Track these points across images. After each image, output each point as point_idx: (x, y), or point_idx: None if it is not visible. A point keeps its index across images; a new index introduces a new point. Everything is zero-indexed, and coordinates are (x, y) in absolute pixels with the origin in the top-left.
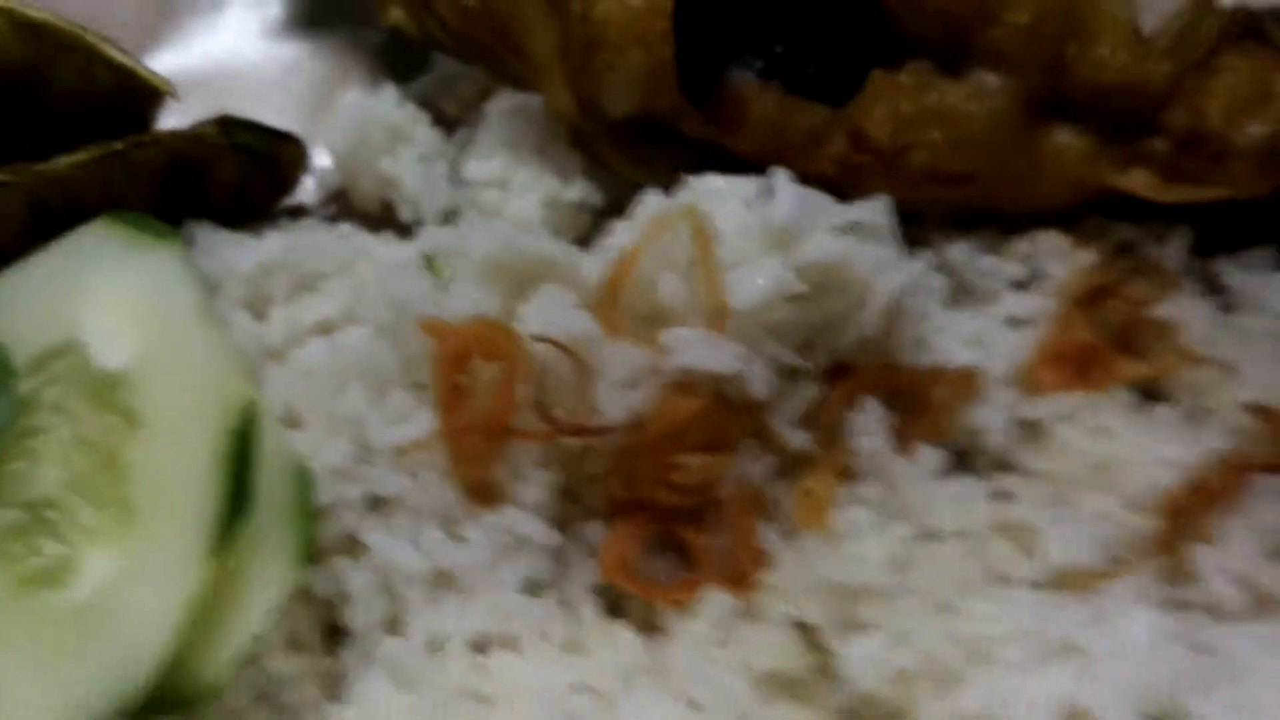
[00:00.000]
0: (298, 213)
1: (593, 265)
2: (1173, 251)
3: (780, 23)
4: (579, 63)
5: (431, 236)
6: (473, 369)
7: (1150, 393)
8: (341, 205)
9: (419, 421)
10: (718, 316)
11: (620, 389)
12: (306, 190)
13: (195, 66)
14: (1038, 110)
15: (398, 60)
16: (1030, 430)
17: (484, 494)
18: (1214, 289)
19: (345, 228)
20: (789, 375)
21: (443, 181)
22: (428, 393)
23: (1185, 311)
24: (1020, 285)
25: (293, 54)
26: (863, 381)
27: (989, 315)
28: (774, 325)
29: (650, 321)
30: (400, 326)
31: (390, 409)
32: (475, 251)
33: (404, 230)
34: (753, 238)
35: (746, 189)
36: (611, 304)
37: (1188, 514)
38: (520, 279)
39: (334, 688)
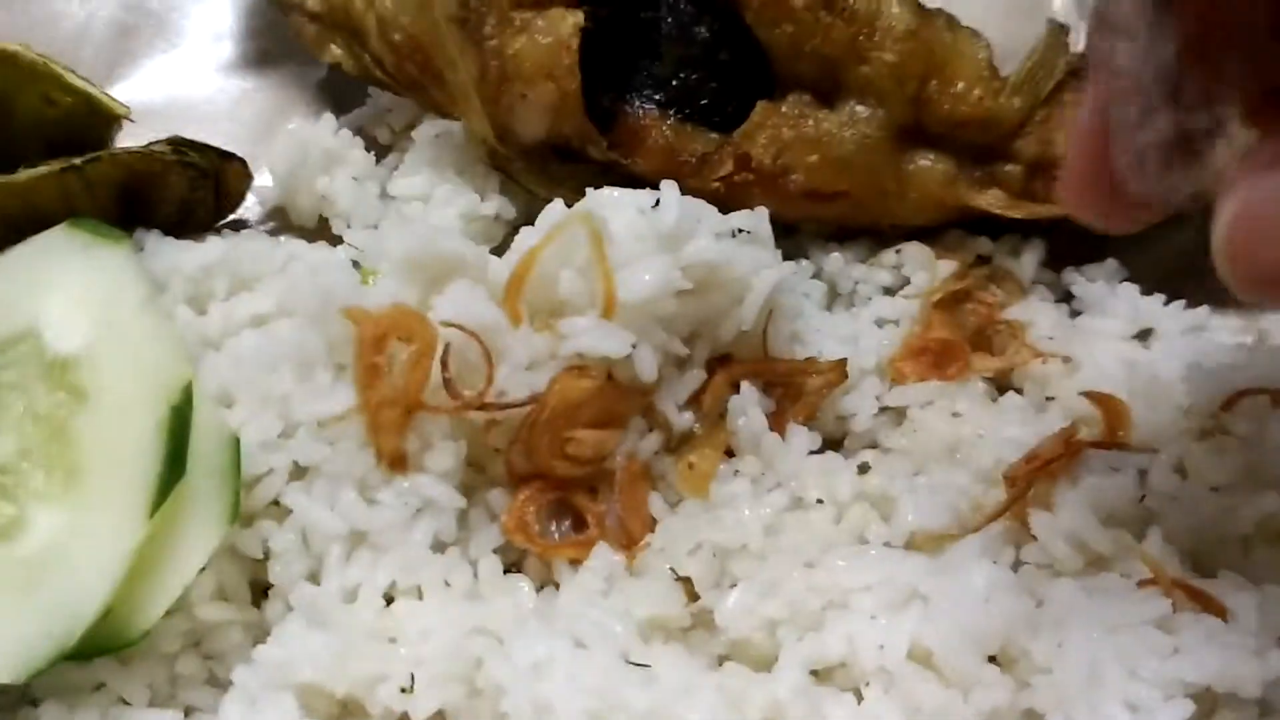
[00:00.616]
0: (240, 226)
1: (501, 265)
2: (1026, 263)
3: (676, 59)
4: (495, 93)
5: (357, 238)
6: (389, 351)
7: (1001, 385)
8: (281, 220)
9: (339, 398)
10: (609, 308)
11: (522, 371)
12: (249, 207)
13: (152, 98)
14: (904, 138)
15: (337, 93)
16: (894, 415)
17: (397, 462)
18: (1065, 297)
19: (283, 238)
20: (676, 363)
21: (373, 199)
22: (348, 372)
23: (1033, 314)
24: (889, 291)
25: (242, 87)
26: (743, 370)
27: (860, 317)
28: (661, 317)
29: (550, 313)
30: (325, 314)
31: (314, 387)
32: (395, 250)
33: (337, 242)
34: (643, 240)
35: (640, 199)
36: (515, 296)
37: (1028, 483)
38: (435, 275)
39: (260, 636)
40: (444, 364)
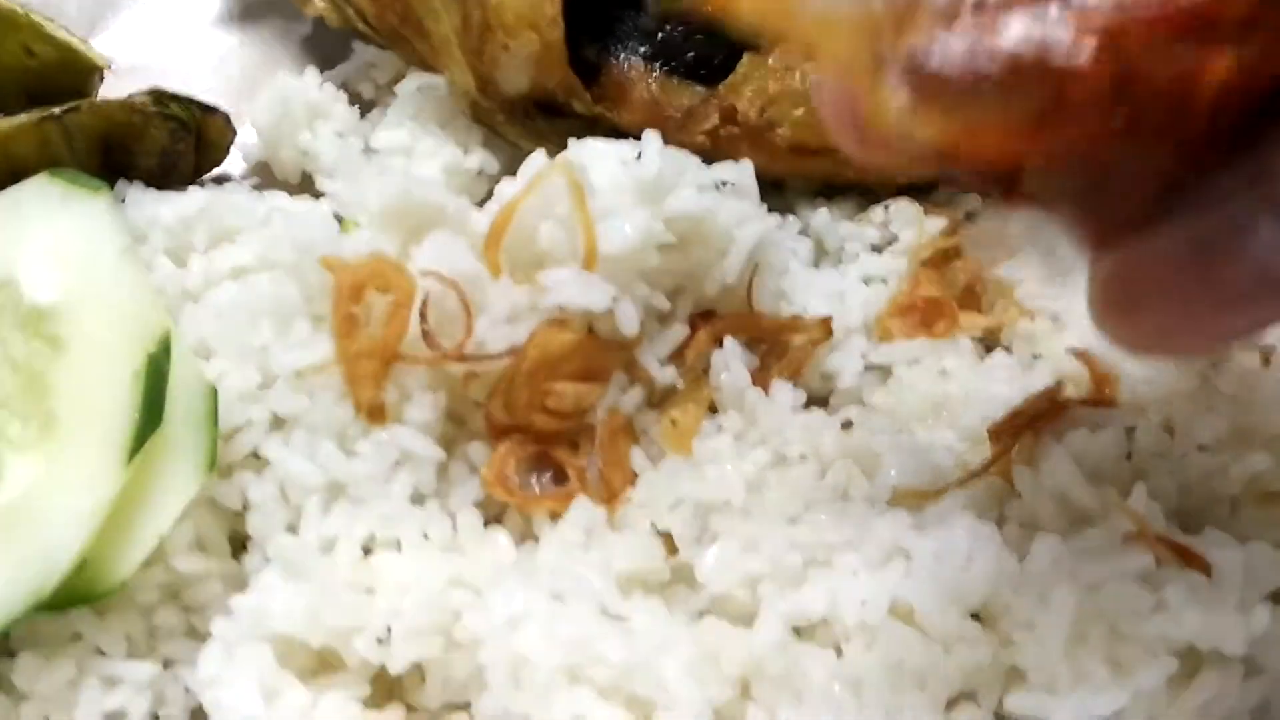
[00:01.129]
0: (224, 180)
1: (481, 216)
2: (1016, 220)
3: (662, 9)
4: (477, 45)
5: (336, 189)
6: (367, 301)
7: (989, 343)
8: (265, 175)
9: (318, 348)
10: (590, 260)
11: (501, 323)
12: (233, 162)
13: (136, 51)
14: None
15: (322, 48)
16: (880, 373)
17: (375, 413)
18: (1051, 255)
19: (266, 193)
20: (659, 318)
21: (357, 155)
22: (327, 323)
23: (1021, 272)
24: (876, 249)
25: (226, 42)
26: (726, 325)
27: (847, 274)
28: (643, 271)
29: (530, 265)
30: (303, 264)
31: (292, 338)
32: (373, 201)
33: (320, 197)
34: (625, 192)
35: (622, 150)
36: (495, 247)
37: (1013, 440)
38: (415, 226)
39: (239, 588)
40: (423, 315)
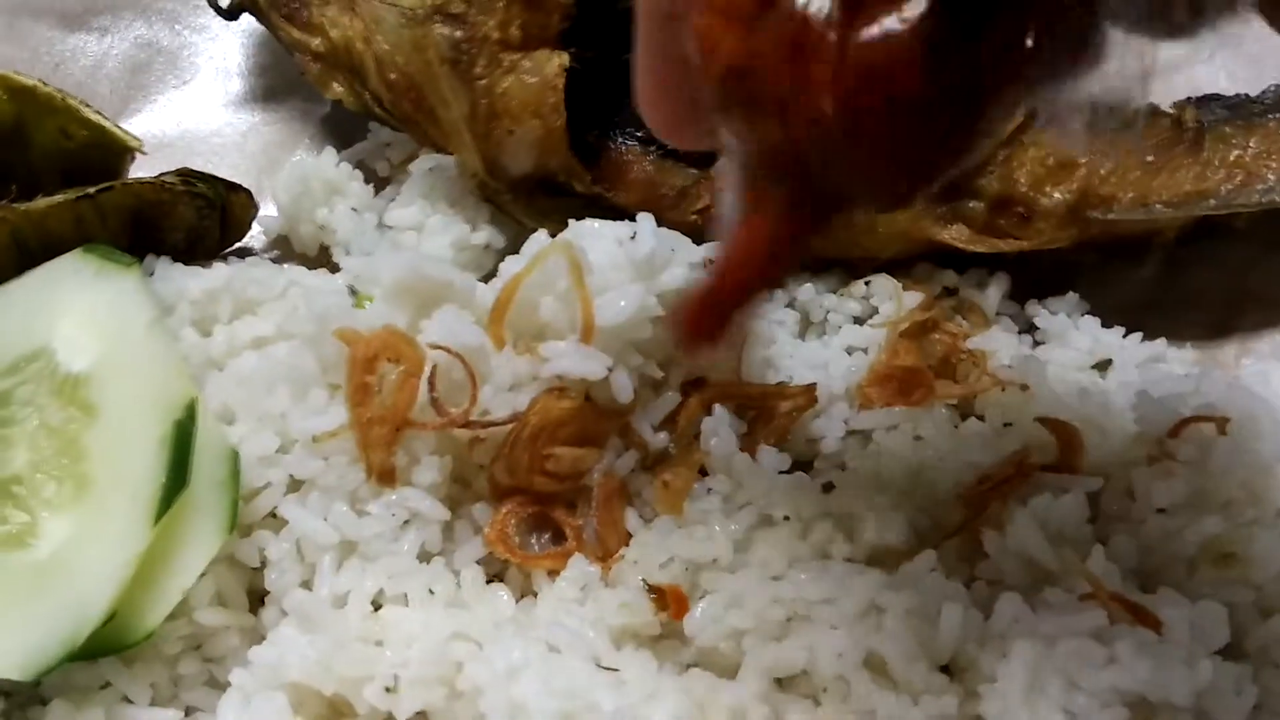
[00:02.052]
0: (245, 253)
1: (487, 292)
2: (991, 295)
3: None
4: (484, 129)
5: (352, 264)
6: (379, 371)
7: (965, 411)
8: (284, 249)
9: (333, 415)
10: (587, 332)
11: (505, 391)
12: (255, 236)
13: (164, 131)
14: None
15: (340, 129)
16: (860, 439)
17: (386, 476)
18: (1028, 328)
19: (286, 266)
20: (653, 386)
21: (371, 230)
22: (342, 391)
23: (996, 343)
24: (858, 320)
25: (249, 121)
26: (716, 393)
27: (830, 345)
28: (637, 342)
29: (532, 337)
30: (320, 335)
31: (309, 405)
32: (386, 276)
33: (336, 270)
34: (620, 269)
35: (618, 230)
36: (499, 321)
37: (983, 504)
38: (424, 300)
39: (256, 641)
40: (431, 384)
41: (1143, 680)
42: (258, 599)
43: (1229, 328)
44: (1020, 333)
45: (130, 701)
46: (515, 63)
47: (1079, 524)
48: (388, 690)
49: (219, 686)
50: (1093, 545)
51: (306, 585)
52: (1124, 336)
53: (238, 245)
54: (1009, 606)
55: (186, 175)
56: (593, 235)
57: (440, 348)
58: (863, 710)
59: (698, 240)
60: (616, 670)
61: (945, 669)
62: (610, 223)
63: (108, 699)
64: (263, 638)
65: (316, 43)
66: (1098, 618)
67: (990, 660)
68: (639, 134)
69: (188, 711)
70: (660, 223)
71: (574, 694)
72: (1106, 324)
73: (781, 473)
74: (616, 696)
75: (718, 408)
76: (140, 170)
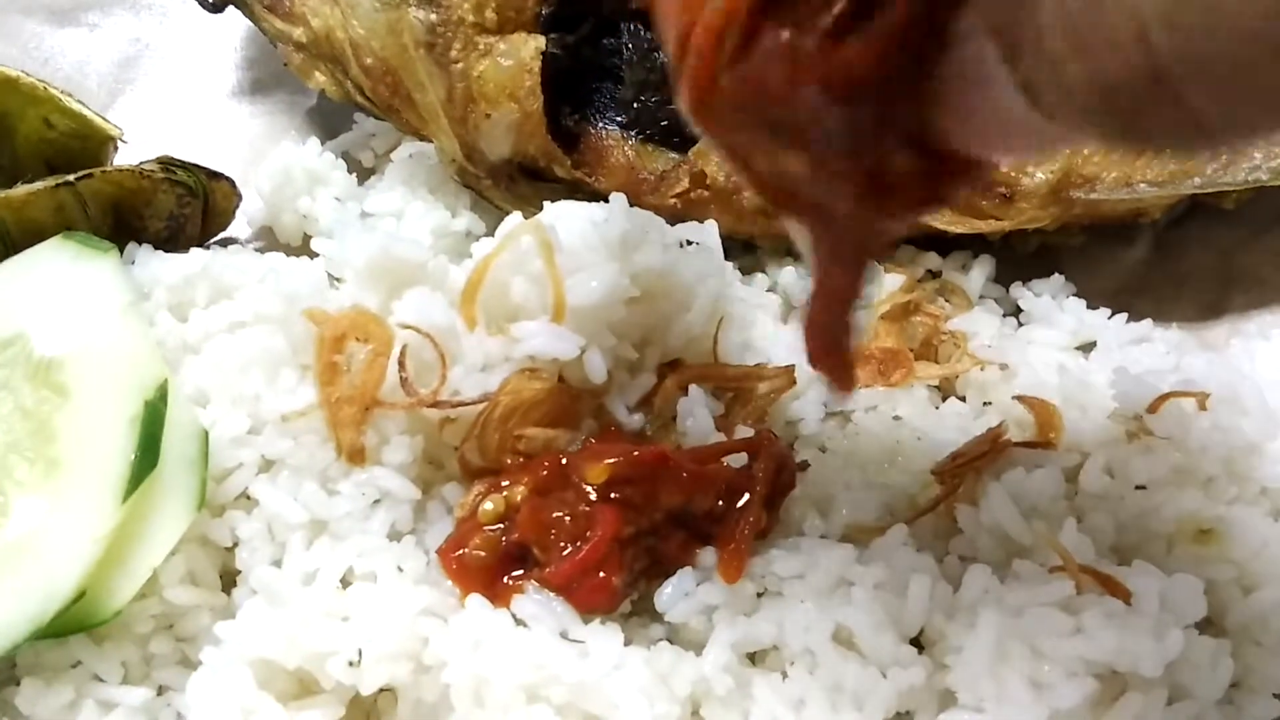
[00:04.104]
0: (229, 243)
1: (459, 273)
2: (974, 277)
3: (637, 83)
4: (461, 114)
5: (324, 246)
6: (348, 350)
7: (946, 392)
8: (268, 239)
9: (302, 395)
10: (559, 312)
11: (476, 372)
12: (240, 226)
13: (151, 123)
14: None
15: (325, 119)
16: (840, 419)
17: (355, 455)
18: (1014, 311)
19: (268, 255)
20: (628, 367)
21: (354, 219)
22: (311, 371)
23: (977, 324)
24: None
25: (236, 113)
26: (692, 374)
27: None
28: (611, 322)
29: (504, 318)
30: (290, 316)
31: (280, 386)
32: (358, 258)
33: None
34: (594, 250)
35: (592, 211)
36: (470, 301)
37: (957, 480)
38: (397, 282)
39: (227, 619)
40: (400, 363)
41: (1109, 650)
42: (230, 580)
43: (1219, 309)
44: (1005, 316)
45: (101, 680)
46: (491, 46)
47: (1053, 499)
48: (351, 664)
49: (191, 665)
50: (1068, 519)
51: (277, 564)
52: (1109, 318)
53: (222, 235)
54: (978, 578)
55: (166, 163)
56: (566, 216)
57: (410, 327)
58: (830, 683)
59: (678, 221)
60: (582, 643)
61: (915, 642)
62: (585, 204)
63: (78, 677)
64: (234, 617)
65: (298, 33)
66: (1065, 588)
67: (958, 632)
68: (619, 118)
69: (159, 690)
70: (641, 207)
71: (538, 666)
72: (1093, 306)
73: None
74: (581, 668)
75: (694, 388)
76: (126, 160)
